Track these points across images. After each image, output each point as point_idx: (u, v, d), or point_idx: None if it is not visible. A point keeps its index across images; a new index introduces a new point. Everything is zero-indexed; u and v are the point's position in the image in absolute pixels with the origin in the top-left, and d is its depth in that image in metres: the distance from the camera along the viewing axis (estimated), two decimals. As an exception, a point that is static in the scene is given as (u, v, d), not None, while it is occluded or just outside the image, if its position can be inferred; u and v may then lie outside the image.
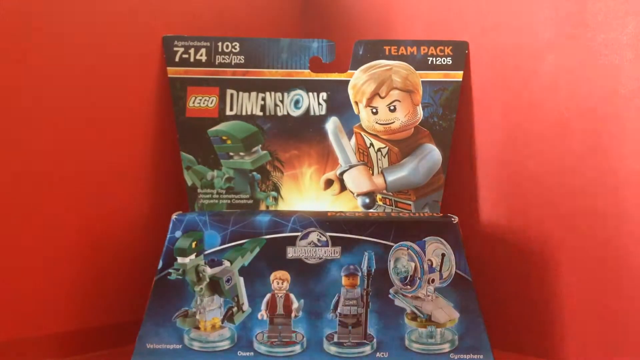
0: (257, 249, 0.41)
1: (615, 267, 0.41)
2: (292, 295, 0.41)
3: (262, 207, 0.48)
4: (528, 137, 0.45)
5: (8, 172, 0.41)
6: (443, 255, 0.41)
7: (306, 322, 0.41)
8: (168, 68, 0.48)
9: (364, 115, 0.49)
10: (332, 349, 0.41)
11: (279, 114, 0.49)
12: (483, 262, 0.47)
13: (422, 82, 0.48)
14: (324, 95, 0.49)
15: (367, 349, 0.41)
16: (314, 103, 0.49)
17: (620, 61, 0.40)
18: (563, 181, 0.43)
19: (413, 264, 0.41)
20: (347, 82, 0.49)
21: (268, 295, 0.41)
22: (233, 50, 0.49)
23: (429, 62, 0.48)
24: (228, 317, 0.41)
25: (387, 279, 0.41)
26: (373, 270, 0.41)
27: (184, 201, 0.48)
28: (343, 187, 0.49)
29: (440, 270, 0.41)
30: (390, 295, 0.41)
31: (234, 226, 0.42)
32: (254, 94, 0.49)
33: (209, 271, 0.41)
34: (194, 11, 0.51)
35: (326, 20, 0.58)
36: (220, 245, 0.42)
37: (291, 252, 0.41)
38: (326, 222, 0.42)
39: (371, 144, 0.49)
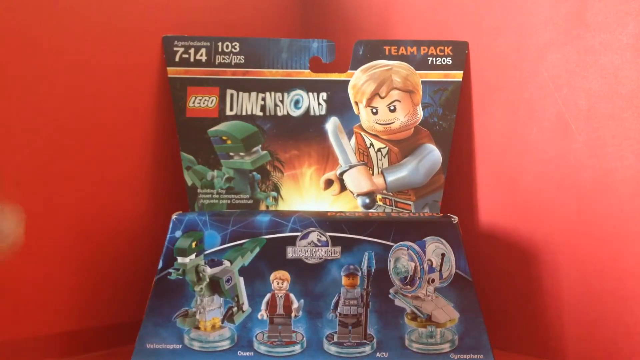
0: (257, 249, 0.41)
1: (615, 267, 0.41)
2: (292, 295, 0.41)
3: (262, 207, 0.48)
4: (528, 138, 0.45)
5: (8, 172, 0.41)
6: (443, 255, 0.41)
7: (306, 322, 0.41)
8: (168, 68, 0.48)
9: (364, 116, 0.49)
10: (332, 349, 0.41)
11: (279, 114, 0.49)
12: (483, 262, 0.47)
13: (422, 82, 0.48)
14: (324, 95, 0.49)
15: (367, 349, 0.41)
16: (314, 103, 0.49)
17: (620, 61, 0.40)
18: (563, 181, 0.43)
19: (413, 264, 0.41)
20: (347, 82, 0.49)
21: (268, 295, 0.41)
22: (233, 50, 0.49)
23: (429, 62, 0.48)
24: (228, 317, 0.41)
25: (387, 279, 0.41)
26: (373, 270, 0.41)
27: (184, 201, 0.48)
28: (343, 187, 0.49)
29: (440, 270, 0.41)
30: (390, 295, 0.41)
31: (234, 226, 0.42)
32: (254, 94, 0.49)
33: (209, 271, 0.41)
34: (194, 11, 0.51)
35: (326, 20, 0.58)
36: (220, 245, 0.41)
37: (291, 252, 0.41)
38: (326, 222, 0.42)
39: (371, 144, 0.49)
